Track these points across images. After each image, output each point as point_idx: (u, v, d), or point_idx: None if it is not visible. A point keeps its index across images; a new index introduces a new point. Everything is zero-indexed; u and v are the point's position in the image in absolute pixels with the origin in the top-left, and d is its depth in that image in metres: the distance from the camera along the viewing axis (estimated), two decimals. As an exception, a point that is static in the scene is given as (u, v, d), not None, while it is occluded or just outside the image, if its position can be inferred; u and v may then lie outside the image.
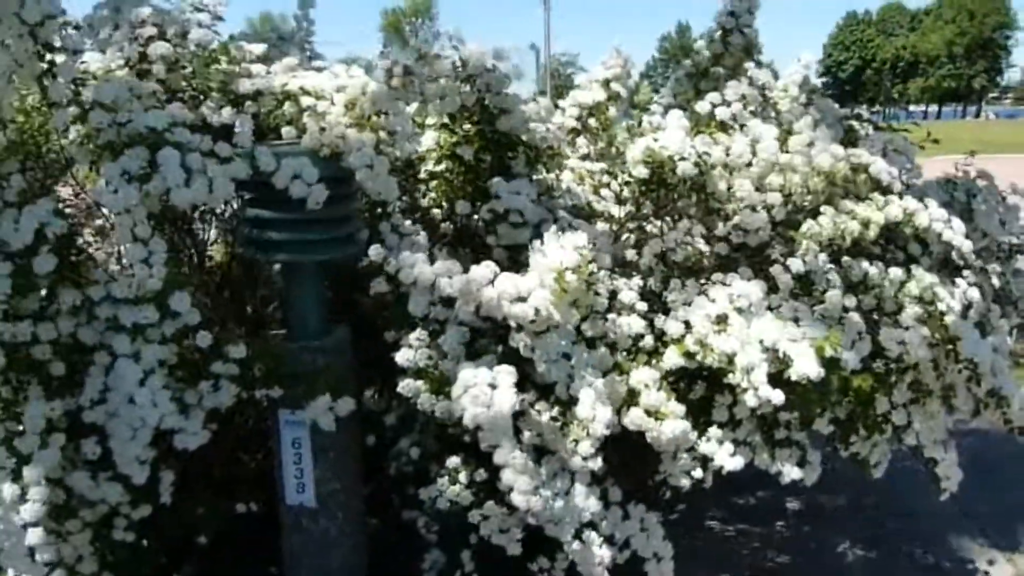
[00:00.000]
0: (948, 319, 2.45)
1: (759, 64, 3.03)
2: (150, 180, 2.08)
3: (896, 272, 2.51)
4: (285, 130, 2.60)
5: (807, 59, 3.05)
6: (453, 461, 2.54)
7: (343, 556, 2.75)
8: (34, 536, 2.01)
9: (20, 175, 2.21)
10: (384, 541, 3.03)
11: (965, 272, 2.69)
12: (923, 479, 2.91)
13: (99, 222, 2.45)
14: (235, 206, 2.88)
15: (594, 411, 2.06)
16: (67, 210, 2.50)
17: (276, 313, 3.16)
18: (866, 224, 2.41)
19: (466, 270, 2.34)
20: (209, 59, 2.66)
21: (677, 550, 2.44)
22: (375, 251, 2.49)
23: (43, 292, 2.15)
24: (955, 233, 2.62)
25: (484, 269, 2.26)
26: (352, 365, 2.72)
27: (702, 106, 2.71)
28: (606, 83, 3.18)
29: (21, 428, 2.05)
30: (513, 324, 2.19)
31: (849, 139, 2.91)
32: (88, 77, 2.25)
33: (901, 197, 2.57)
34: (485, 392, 2.05)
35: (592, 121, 3.18)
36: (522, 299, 2.14)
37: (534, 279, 2.17)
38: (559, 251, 2.16)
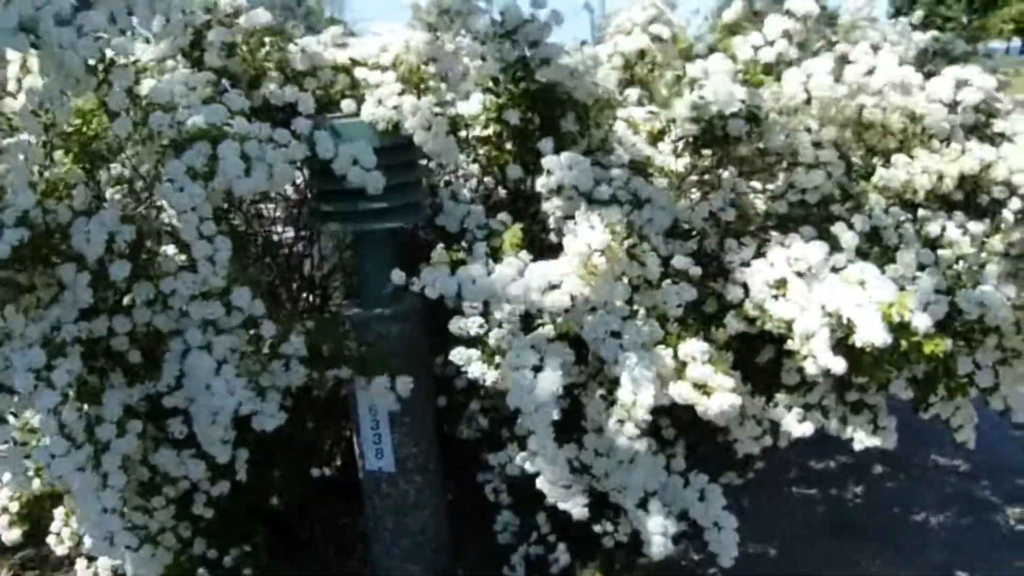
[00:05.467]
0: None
1: (821, 8, 2.78)
2: (214, 176, 2.12)
3: (977, 227, 2.34)
4: (345, 103, 2.61)
5: None
6: (522, 428, 2.58)
7: (424, 518, 2.85)
8: (112, 522, 2.11)
9: (84, 185, 2.28)
10: (460, 503, 3.12)
11: None
12: (1014, 436, 2.75)
13: (164, 217, 2.53)
14: (298, 182, 2.95)
15: (635, 395, 2.03)
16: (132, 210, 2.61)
17: (345, 285, 3.25)
18: (940, 177, 2.23)
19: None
20: (262, 40, 2.68)
21: (752, 511, 2.40)
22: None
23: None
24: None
25: (507, 268, 2.22)
26: (424, 330, 2.78)
27: (744, 50, 2.52)
28: (645, 26, 3.00)
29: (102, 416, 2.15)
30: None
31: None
32: (142, 72, 2.30)
33: (987, 142, 2.37)
34: (528, 376, 2.05)
35: (639, 69, 3.02)
36: (555, 286, 2.10)
37: (567, 263, 2.12)
38: (588, 232, 2.10)
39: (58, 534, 2.81)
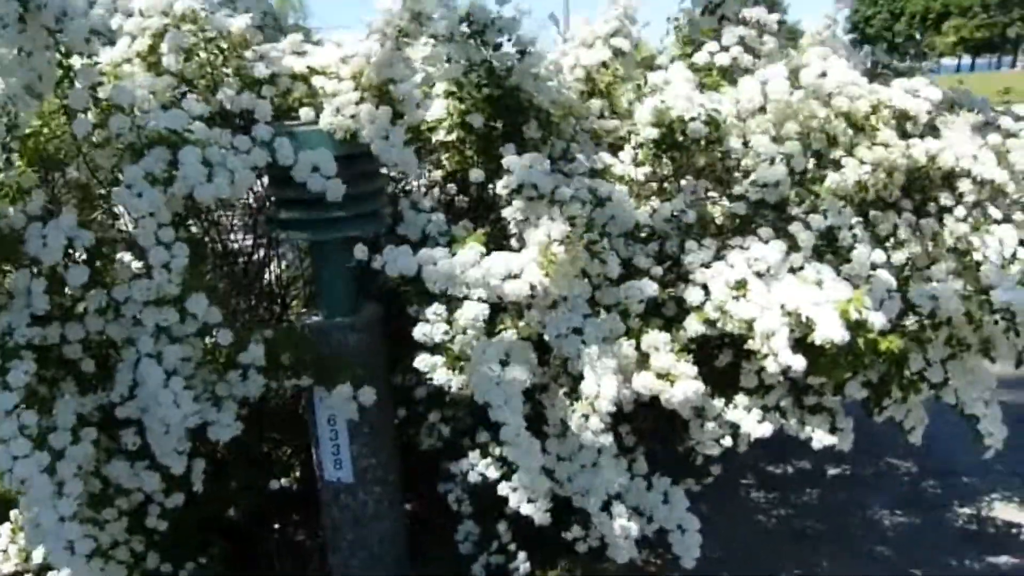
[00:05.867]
0: (984, 268, 2.35)
1: (780, 23, 2.86)
2: (173, 181, 2.09)
3: (928, 223, 2.41)
4: (303, 111, 2.60)
5: (832, 12, 2.89)
6: (483, 436, 2.57)
7: (383, 529, 2.81)
8: (71, 530, 2.05)
9: (41, 189, 2.24)
10: (420, 513, 3.10)
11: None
12: (965, 437, 2.84)
13: (120, 223, 2.48)
14: (256, 190, 2.92)
15: (598, 387, 2.04)
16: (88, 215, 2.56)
17: (304, 294, 3.22)
18: (890, 173, 2.30)
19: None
20: (222, 46, 2.65)
21: (712, 516, 2.43)
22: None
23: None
24: (984, 166, 2.45)
25: (469, 253, 2.23)
26: (383, 340, 2.76)
27: (700, 56, 2.57)
28: (607, 39, 3.00)
29: (55, 425, 2.10)
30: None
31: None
32: (102, 75, 2.26)
33: (923, 139, 2.44)
34: (495, 369, 2.05)
35: (600, 80, 3.06)
36: (515, 276, 2.10)
37: (528, 254, 2.14)
38: (548, 223, 2.12)
39: (4, 551, 2.72)
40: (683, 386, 2.12)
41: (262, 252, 3.10)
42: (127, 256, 2.45)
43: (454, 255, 2.31)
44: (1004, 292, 2.39)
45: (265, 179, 2.76)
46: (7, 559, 2.72)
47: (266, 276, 3.17)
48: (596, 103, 2.97)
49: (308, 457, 2.86)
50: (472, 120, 2.70)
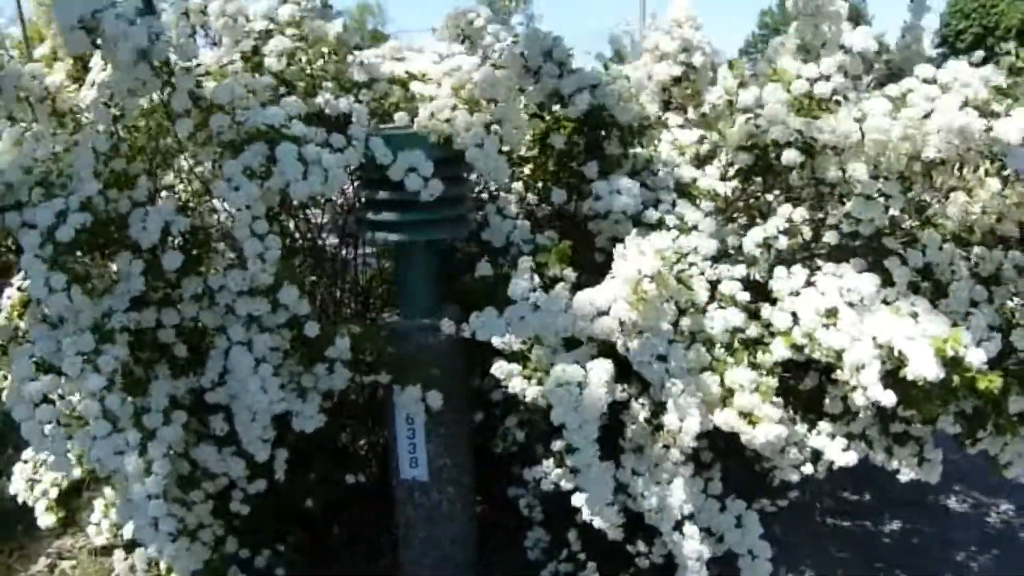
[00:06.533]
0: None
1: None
2: (270, 176, 2.16)
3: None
4: (398, 116, 2.65)
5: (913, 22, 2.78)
6: (559, 444, 2.57)
7: (454, 529, 2.85)
8: (157, 508, 2.15)
9: (146, 176, 2.34)
10: (490, 517, 3.11)
11: None
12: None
13: (217, 215, 2.58)
14: (346, 190, 2.99)
15: (681, 421, 2.02)
16: (189, 204, 2.66)
17: (385, 293, 3.27)
18: (999, 219, 2.20)
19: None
20: (321, 51, 2.72)
21: (785, 540, 2.36)
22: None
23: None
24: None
25: (553, 302, 2.23)
26: (462, 343, 2.79)
27: (798, 84, 2.49)
28: (676, 56, 3.02)
29: (149, 406, 2.19)
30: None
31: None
32: (204, 76, 2.35)
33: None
34: (574, 392, 2.05)
35: (676, 92, 3.02)
36: (603, 313, 2.10)
37: (614, 288, 2.12)
38: (638, 257, 2.10)
39: (97, 524, 2.86)
40: (766, 429, 2.09)
41: (348, 251, 3.17)
42: (222, 247, 2.55)
43: (539, 276, 2.32)
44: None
45: (356, 180, 2.82)
46: (99, 533, 2.86)
47: (351, 274, 3.23)
48: (674, 116, 2.95)
49: (385, 453, 2.92)
50: (554, 141, 2.72)
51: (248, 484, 2.45)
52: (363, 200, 2.79)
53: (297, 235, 2.97)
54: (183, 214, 2.26)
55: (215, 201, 2.68)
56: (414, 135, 2.49)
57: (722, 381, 2.15)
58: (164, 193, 2.61)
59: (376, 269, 3.37)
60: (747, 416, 2.10)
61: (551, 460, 2.58)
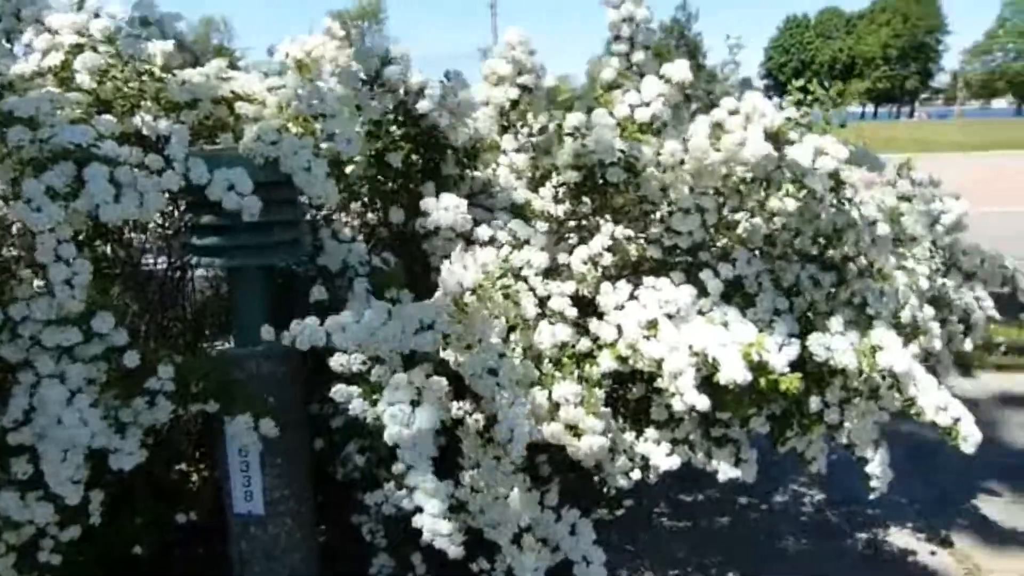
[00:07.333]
0: (875, 325, 2.49)
1: (700, 67, 3.00)
2: (76, 197, 2.03)
3: (828, 277, 2.55)
4: (223, 137, 2.56)
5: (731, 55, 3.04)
6: (399, 467, 2.55)
7: (294, 562, 2.74)
8: None
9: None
10: (335, 545, 3.04)
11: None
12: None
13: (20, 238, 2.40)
14: (173, 213, 2.86)
15: (511, 432, 2.07)
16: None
17: (218, 320, 3.15)
18: (797, 234, 2.42)
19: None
20: (140, 70, 2.60)
21: (623, 546, 2.47)
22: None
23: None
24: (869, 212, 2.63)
25: (376, 313, 2.21)
26: (300, 369, 2.72)
27: (620, 109, 2.64)
28: (513, 79, 3.02)
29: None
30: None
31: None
32: (6, 87, 2.20)
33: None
34: (406, 410, 2.05)
35: (513, 116, 3.11)
36: (428, 326, 2.12)
37: (440, 301, 2.15)
38: (461, 272, 2.14)
39: None
40: (589, 441, 2.18)
41: (177, 276, 3.03)
42: (27, 274, 2.36)
43: (376, 297, 2.30)
44: (888, 354, 2.52)
45: (182, 203, 2.70)
46: None
47: (179, 301, 3.09)
48: (510, 139, 3.03)
49: (218, 488, 2.79)
50: (391, 159, 2.71)
51: (60, 531, 2.26)
52: (189, 224, 2.68)
53: (116, 260, 2.80)
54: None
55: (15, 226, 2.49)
56: (237, 155, 2.42)
57: (550, 395, 2.22)
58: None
59: (212, 295, 3.23)
60: (573, 428, 2.18)
61: (391, 483, 2.57)
